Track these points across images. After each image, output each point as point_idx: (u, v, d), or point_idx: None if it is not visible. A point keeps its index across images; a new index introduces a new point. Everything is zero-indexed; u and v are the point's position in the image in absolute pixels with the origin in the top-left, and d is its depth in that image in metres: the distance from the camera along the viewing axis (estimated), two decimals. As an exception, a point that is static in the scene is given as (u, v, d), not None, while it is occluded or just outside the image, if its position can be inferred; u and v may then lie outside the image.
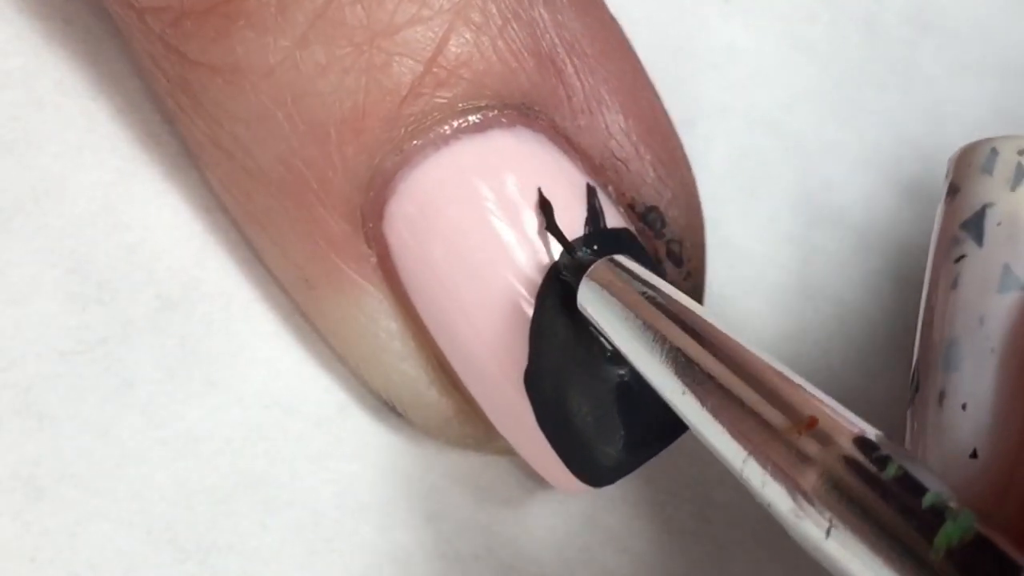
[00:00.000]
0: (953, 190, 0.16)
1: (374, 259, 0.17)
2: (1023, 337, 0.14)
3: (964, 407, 0.14)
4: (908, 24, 0.23)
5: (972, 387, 0.14)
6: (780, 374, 0.13)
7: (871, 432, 0.12)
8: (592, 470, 0.16)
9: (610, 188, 0.17)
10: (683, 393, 0.14)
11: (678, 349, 0.14)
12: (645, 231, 0.17)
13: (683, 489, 0.19)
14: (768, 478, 0.13)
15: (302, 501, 0.18)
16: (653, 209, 0.17)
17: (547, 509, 0.18)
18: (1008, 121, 0.23)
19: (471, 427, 0.17)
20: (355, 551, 0.18)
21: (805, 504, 0.12)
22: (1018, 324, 0.14)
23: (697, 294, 0.18)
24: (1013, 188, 0.15)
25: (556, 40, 0.16)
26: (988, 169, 0.15)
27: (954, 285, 0.15)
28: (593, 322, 0.15)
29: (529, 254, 0.16)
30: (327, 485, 0.18)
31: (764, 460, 0.12)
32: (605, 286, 0.15)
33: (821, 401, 0.13)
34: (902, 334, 0.21)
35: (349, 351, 0.18)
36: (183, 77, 0.16)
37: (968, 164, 0.16)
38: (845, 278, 0.21)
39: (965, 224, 0.15)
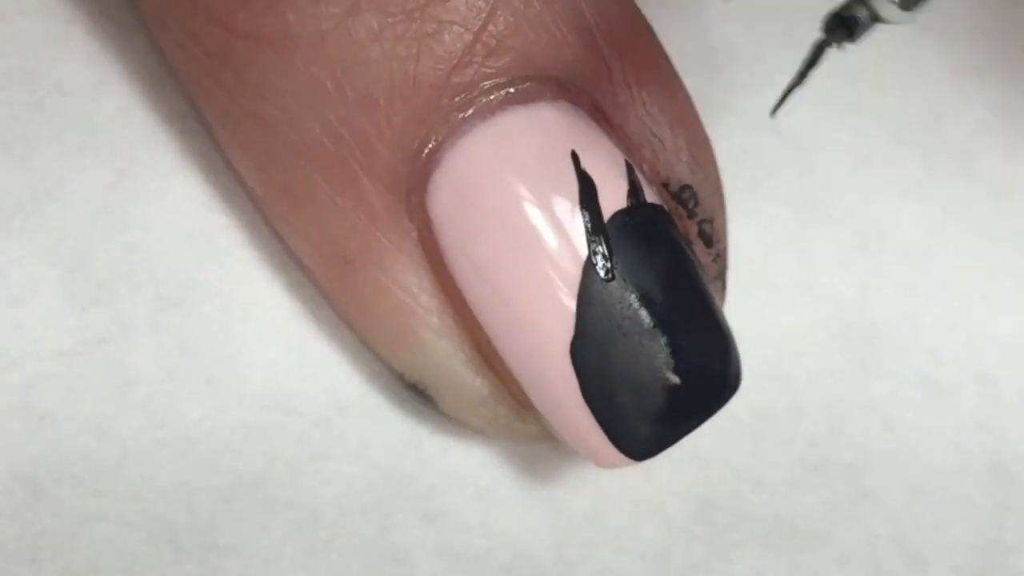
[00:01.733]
0: None
1: (415, 233, 0.17)
2: None
3: None
4: (908, 24, 0.23)
5: None
6: None
7: None
8: (635, 442, 0.16)
9: (645, 167, 0.17)
10: None
11: None
12: (678, 210, 0.17)
13: (683, 489, 0.19)
14: None
15: (302, 501, 0.18)
16: (687, 188, 0.17)
17: (547, 509, 0.18)
18: (1008, 121, 0.23)
19: (504, 408, 0.17)
20: (355, 551, 0.18)
21: None
22: None
23: (722, 276, 0.18)
24: None
25: (596, 19, 0.16)
26: None
27: None
28: None
29: (575, 225, 0.16)
30: (327, 485, 0.18)
31: None
32: None
33: None
34: (903, 334, 0.21)
35: (382, 330, 0.18)
36: (227, 51, 0.16)
37: None
38: (845, 278, 0.21)
39: None
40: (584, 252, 0.16)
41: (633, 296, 0.16)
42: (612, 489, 0.19)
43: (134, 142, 0.18)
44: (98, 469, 0.17)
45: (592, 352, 0.16)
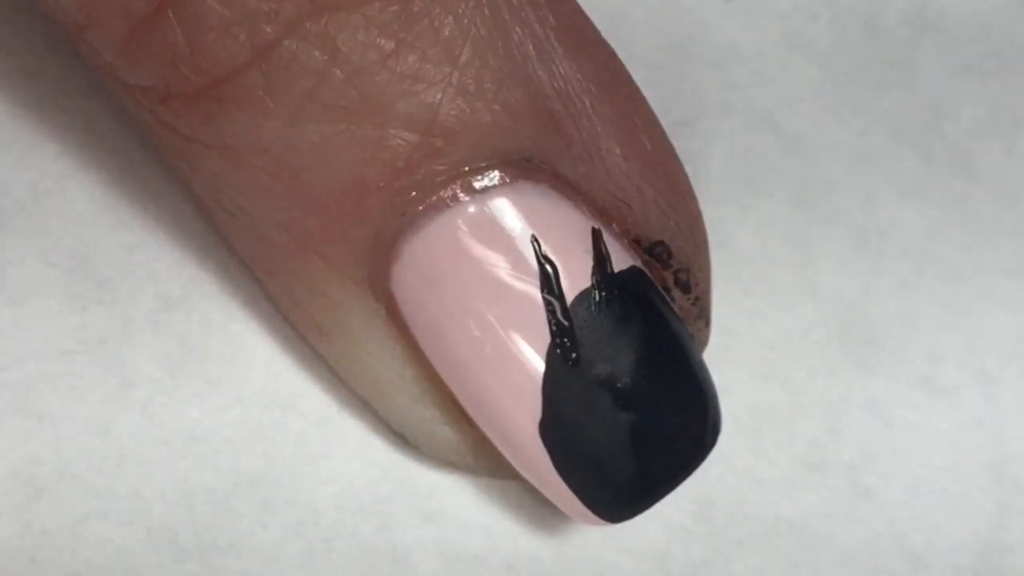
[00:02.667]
0: None
1: (384, 312, 0.17)
2: None
3: None
4: (908, 24, 0.23)
5: None
6: None
7: None
8: (612, 508, 0.17)
9: (614, 226, 0.17)
10: None
11: None
12: (652, 263, 0.17)
13: (683, 489, 0.19)
14: None
15: (302, 501, 0.18)
16: (659, 244, 0.17)
17: (547, 509, 0.18)
18: (1008, 121, 0.23)
19: (485, 459, 0.18)
20: (355, 551, 0.18)
21: None
22: None
23: (704, 315, 0.18)
24: None
25: (552, 94, 0.16)
26: None
27: None
28: None
29: (535, 311, 0.16)
30: (327, 485, 0.18)
31: None
32: None
33: None
34: (903, 334, 0.21)
35: (362, 390, 0.18)
36: (177, 147, 0.16)
37: None
38: (845, 278, 0.21)
39: None
40: (547, 339, 0.16)
41: (599, 378, 0.16)
42: (612, 489, 0.19)
43: (134, 142, 0.18)
44: (98, 469, 0.17)
45: (561, 432, 0.16)
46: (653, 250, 0.17)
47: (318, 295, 0.17)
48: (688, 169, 0.18)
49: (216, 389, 0.18)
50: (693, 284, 0.18)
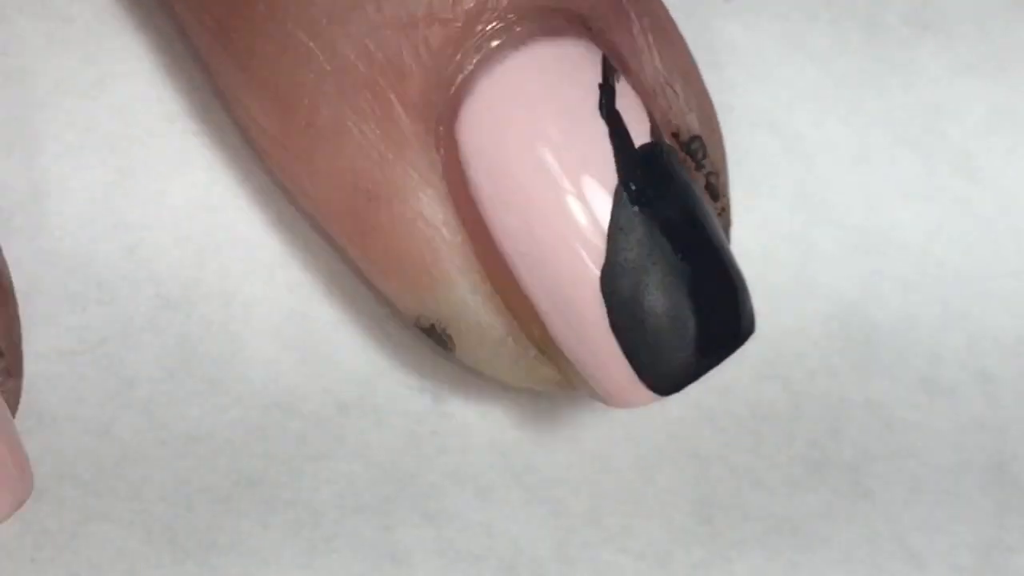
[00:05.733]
0: None
1: (441, 166, 0.17)
2: None
3: None
4: (908, 24, 0.23)
5: None
6: None
7: None
8: (661, 375, 0.16)
9: (657, 115, 0.17)
10: None
11: None
12: (687, 161, 0.17)
13: (683, 489, 0.19)
14: None
15: (302, 501, 0.18)
16: (697, 138, 0.17)
17: (547, 509, 0.18)
18: (1008, 121, 0.23)
19: (523, 348, 0.17)
20: (355, 551, 0.18)
21: None
22: None
23: (727, 230, 0.18)
24: None
25: None
26: None
27: None
28: None
29: (605, 152, 0.16)
30: (327, 485, 0.18)
31: None
32: None
33: None
34: (903, 334, 0.21)
35: (404, 267, 0.17)
36: None
37: None
38: (845, 278, 0.21)
39: None
40: (615, 179, 0.16)
41: (663, 224, 0.16)
42: (612, 489, 0.19)
43: (134, 142, 0.18)
44: (98, 469, 0.17)
45: (622, 281, 0.16)
46: (690, 145, 0.17)
47: (379, 144, 0.17)
48: (688, 169, 0.18)
49: (216, 389, 0.18)
50: (720, 193, 0.18)
